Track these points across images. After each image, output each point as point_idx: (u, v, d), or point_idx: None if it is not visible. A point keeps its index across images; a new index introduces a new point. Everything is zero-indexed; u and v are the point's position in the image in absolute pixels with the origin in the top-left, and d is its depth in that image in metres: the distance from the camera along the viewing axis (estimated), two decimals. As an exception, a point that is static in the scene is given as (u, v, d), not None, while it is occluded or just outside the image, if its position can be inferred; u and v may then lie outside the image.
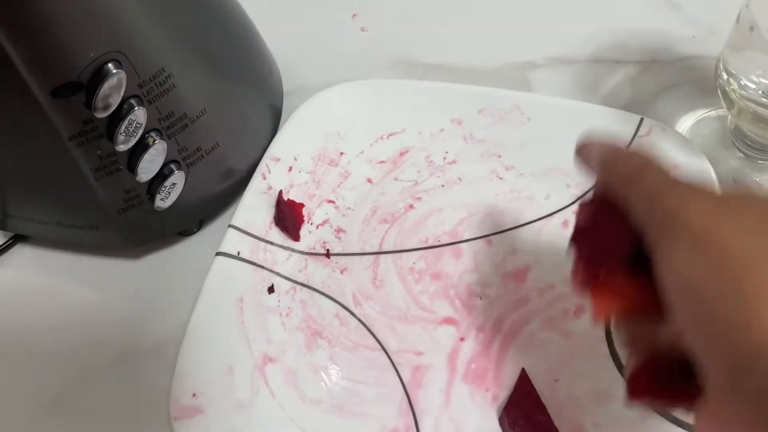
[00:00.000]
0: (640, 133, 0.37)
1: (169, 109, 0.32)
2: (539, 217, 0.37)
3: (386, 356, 0.33)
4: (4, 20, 0.26)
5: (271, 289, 0.35)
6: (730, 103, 0.34)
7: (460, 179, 0.38)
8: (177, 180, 0.33)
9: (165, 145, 0.32)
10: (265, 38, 0.41)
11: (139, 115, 0.30)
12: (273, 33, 0.41)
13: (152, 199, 0.33)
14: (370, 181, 0.39)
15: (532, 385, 0.32)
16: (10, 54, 0.27)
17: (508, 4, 0.46)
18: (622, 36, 0.43)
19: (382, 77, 0.43)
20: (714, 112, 0.39)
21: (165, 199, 0.34)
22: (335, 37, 0.45)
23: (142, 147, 0.31)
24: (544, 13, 0.45)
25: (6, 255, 0.38)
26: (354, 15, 0.46)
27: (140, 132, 0.31)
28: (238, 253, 0.35)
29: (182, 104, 0.32)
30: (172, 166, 0.33)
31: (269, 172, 0.37)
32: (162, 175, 0.33)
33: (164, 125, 0.32)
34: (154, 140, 0.32)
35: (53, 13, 0.27)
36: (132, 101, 0.30)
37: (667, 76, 0.41)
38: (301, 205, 0.37)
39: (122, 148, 0.31)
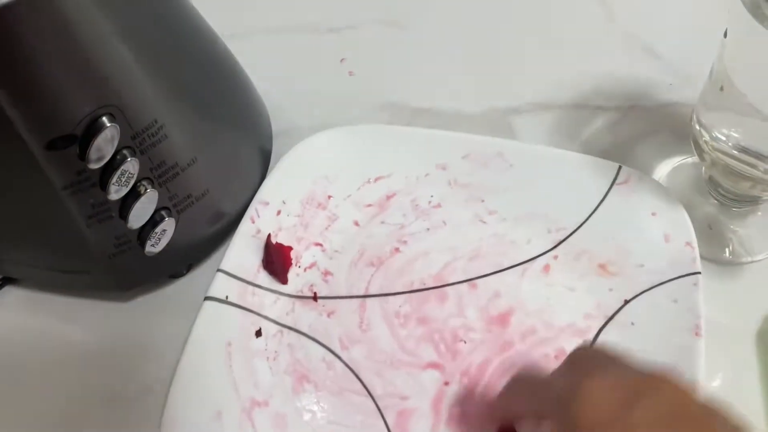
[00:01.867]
0: (618, 180, 0.38)
1: (160, 158, 0.32)
2: (521, 261, 0.38)
3: (372, 401, 0.34)
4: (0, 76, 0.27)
5: (258, 333, 0.35)
6: (702, 155, 0.35)
7: (444, 223, 0.39)
8: (167, 227, 0.34)
9: (156, 194, 0.33)
10: (254, 80, 0.42)
11: (132, 165, 0.31)
12: (262, 75, 0.42)
13: (143, 245, 0.34)
14: (357, 224, 0.40)
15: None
16: (5, 108, 0.28)
17: (492, 49, 0.47)
18: (603, 82, 0.45)
19: (370, 120, 0.44)
20: (690, 159, 0.41)
21: (155, 245, 0.34)
22: (323, 80, 0.46)
23: (134, 196, 0.32)
24: (528, 59, 0.46)
25: (-4, 296, 0.39)
26: (342, 59, 0.47)
27: (132, 181, 0.31)
28: (227, 297, 0.35)
29: (174, 153, 0.33)
30: (163, 213, 0.34)
31: (258, 216, 0.38)
32: (153, 222, 0.34)
33: (156, 174, 0.33)
34: (146, 189, 0.32)
35: (49, 70, 0.27)
36: (125, 152, 0.31)
37: (646, 123, 0.43)
38: (289, 248, 0.38)
39: (114, 197, 0.31)
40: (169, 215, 0.34)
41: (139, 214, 0.33)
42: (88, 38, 0.28)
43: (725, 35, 0.32)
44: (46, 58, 0.27)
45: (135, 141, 0.31)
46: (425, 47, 0.48)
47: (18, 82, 0.27)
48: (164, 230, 0.34)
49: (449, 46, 0.48)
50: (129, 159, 0.31)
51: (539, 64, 0.46)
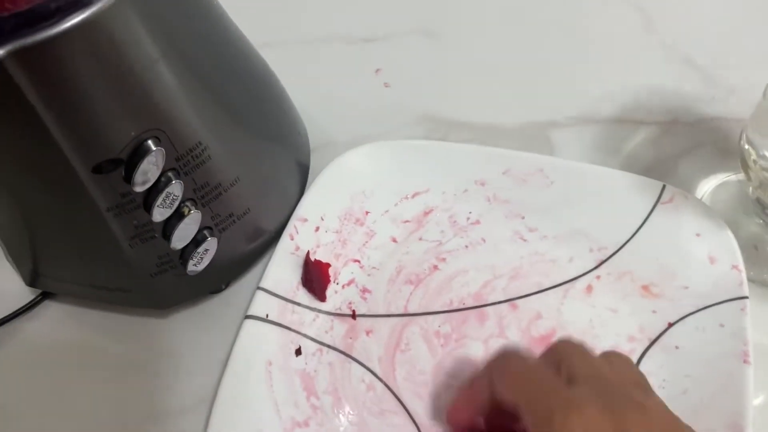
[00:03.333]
0: (662, 199, 0.37)
1: (204, 179, 0.32)
2: (563, 281, 0.37)
3: (413, 422, 0.34)
4: (49, 103, 0.27)
5: (298, 351, 0.35)
6: (750, 174, 0.35)
7: (483, 240, 0.39)
8: (210, 246, 0.34)
9: (200, 214, 0.33)
10: (289, 91, 0.41)
11: (176, 188, 0.31)
12: (296, 85, 0.42)
13: (185, 264, 0.34)
14: (395, 240, 0.39)
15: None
16: (53, 133, 0.28)
17: (530, 62, 0.47)
18: (644, 96, 0.44)
19: (406, 133, 0.44)
20: (735, 176, 0.40)
21: (198, 264, 0.34)
22: (359, 91, 0.46)
23: (177, 217, 0.32)
24: (567, 72, 0.46)
25: (35, 311, 0.39)
26: (377, 70, 0.47)
27: (177, 203, 0.31)
28: (267, 315, 0.35)
29: (217, 174, 0.33)
30: (206, 232, 0.34)
31: (297, 232, 0.38)
32: (195, 242, 0.34)
33: (199, 195, 0.33)
34: (190, 210, 0.32)
35: (95, 95, 0.27)
36: (169, 174, 0.31)
37: (688, 138, 0.42)
38: (327, 265, 0.38)
39: (158, 219, 0.31)
40: (212, 235, 0.34)
41: (183, 235, 0.33)
42: (134, 63, 0.28)
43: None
44: (93, 85, 0.27)
45: (179, 163, 0.31)
46: (461, 58, 0.47)
47: (65, 106, 0.27)
48: (207, 249, 0.34)
49: (486, 57, 0.47)
50: (174, 181, 0.31)
51: (578, 77, 0.46)
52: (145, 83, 0.28)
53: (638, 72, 0.45)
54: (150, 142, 0.29)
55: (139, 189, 0.30)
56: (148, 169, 0.30)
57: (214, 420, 0.33)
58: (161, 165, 0.30)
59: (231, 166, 0.33)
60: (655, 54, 0.46)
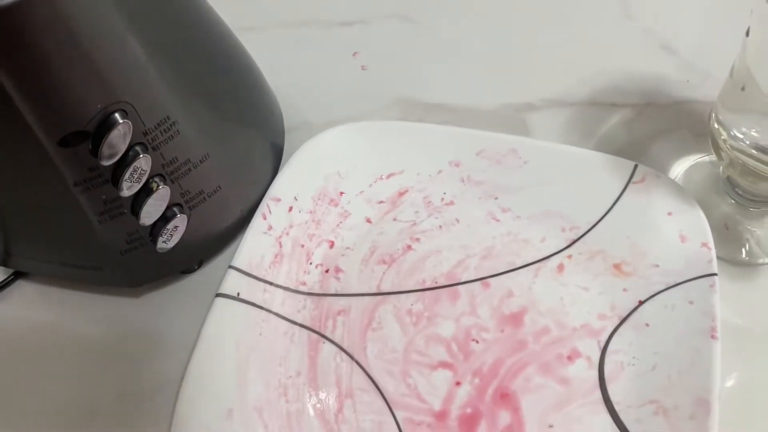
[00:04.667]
0: (634, 179, 0.37)
1: (173, 154, 0.32)
2: (535, 260, 0.37)
3: (383, 399, 0.34)
4: (13, 73, 0.27)
5: (269, 330, 0.35)
6: (720, 153, 0.35)
7: (457, 220, 0.39)
8: (179, 223, 0.34)
9: (168, 190, 0.32)
10: (266, 74, 0.41)
11: (144, 162, 0.31)
12: (273, 69, 0.42)
13: (155, 241, 0.34)
14: (369, 221, 0.39)
15: None
16: (19, 105, 0.27)
17: (506, 45, 0.47)
18: (619, 79, 0.44)
19: (382, 116, 0.44)
20: (707, 157, 0.40)
21: (167, 242, 0.34)
22: (336, 74, 0.46)
23: (146, 192, 0.32)
24: (542, 55, 0.46)
25: (6, 291, 0.39)
26: (354, 54, 0.47)
27: (144, 178, 0.31)
28: (238, 294, 0.35)
29: (186, 150, 0.33)
30: (175, 209, 0.34)
31: (270, 212, 0.38)
32: (165, 219, 0.33)
33: (168, 170, 0.32)
34: (158, 185, 0.32)
35: (61, 67, 0.27)
36: (137, 149, 0.31)
37: (662, 120, 0.42)
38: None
39: (126, 193, 0.31)
40: (181, 211, 0.34)
41: (151, 211, 0.32)
42: (100, 34, 0.28)
43: (747, 34, 0.31)
44: (59, 55, 0.27)
45: (147, 137, 0.31)
46: (438, 42, 0.47)
47: (30, 78, 0.27)
48: (176, 227, 0.34)
49: (462, 41, 0.47)
50: (141, 156, 0.31)
51: (554, 61, 0.46)
52: (111, 55, 0.28)
53: (615, 57, 0.45)
54: (117, 114, 0.29)
55: (106, 163, 0.30)
56: (115, 143, 0.29)
57: (182, 397, 0.32)
58: (128, 138, 0.30)
59: (200, 142, 0.33)
60: (633, 39, 0.46)
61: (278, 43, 0.47)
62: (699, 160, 0.40)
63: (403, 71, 0.46)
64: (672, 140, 0.41)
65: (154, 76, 0.30)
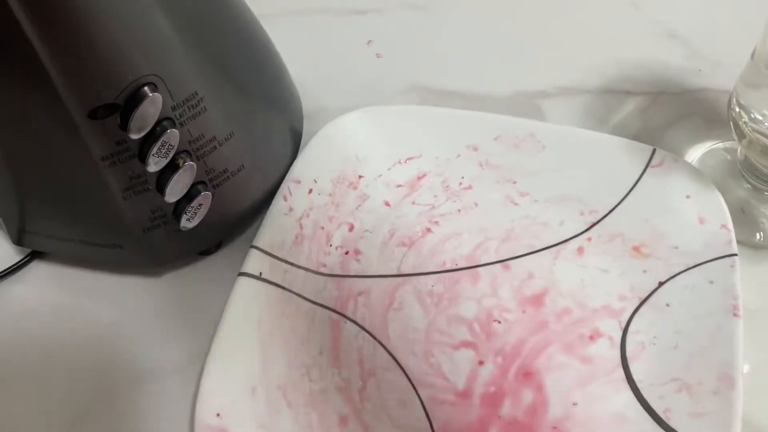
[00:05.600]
0: (652, 163, 0.38)
1: (199, 131, 0.32)
2: (554, 243, 0.37)
3: (407, 378, 0.34)
4: (47, 44, 0.27)
5: (291, 310, 0.35)
6: (741, 135, 0.35)
7: (476, 204, 0.39)
8: (203, 201, 0.34)
9: (194, 167, 0.32)
10: (286, 62, 0.41)
11: (172, 136, 0.31)
12: (291, 56, 0.42)
13: (178, 219, 0.34)
14: (387, 204, 0.39)
15: None
16: (51, 75, 0.27)
17: (518, 33, 0.47)
18: (631, 68, 0.45)
19: (397, 102, 0.44)
20: (722, 144, 0.41)
21: (191, 220, 0.34)
22: (351, 62, 0.46)
23: (172, 168, 0.32)
24: (555, 43, 0.46)
25: (23, 271, 0.38)
26: (369, 42, 0.47)
27: (171, 153, 0.31)
28: (260, 273, 0.35)
29: (212, 127, 0.33)
30: (200, 187, 0.34)
31: (290, 194, 0.38)
32: (189, 196, 0.33)
33: (194, 147, 0.32)
34: (184, 162, 0.32)
35: (95, 37, 0.27)
36: (165, 123, 0.31)
37: (676, 109, 0.43)
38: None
39: (153, 169, 0.31)
40: (206, 189, 0.34)
41: (177, 188, 0.32)
42: (133, 6, 0.28)
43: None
44: (93, 26, 0.27)
45: (175, 112, 0.31)
46: (451, 30, 0.48)
47: (62, 50, 0.27)
48: (200, 204, 0.34)
49: (475, 29, 0.48)
50: (169, 130, 0.31)
51: (566, 48, 0.46)
52: (142, 28, 0.28)
53: (625, 46, 0.46)
54: (147, 88, 0.29)
55: (134, 136, 0.30)
56: (145, 116, 0.29)
57: (206, 375, 0.32)
58: (157, 112, 0.30)
59: (226, 120, 0.33)
60: (643, 29, 0.47)
61: (293, 30, 0.47)
62: (713, 146, 0.41)
63: (417, 59, 0.46)
64: (686, 128, 0.42)
65: (184, 51, 0.30)
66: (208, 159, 0.33)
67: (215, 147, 0.33)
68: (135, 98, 0.29)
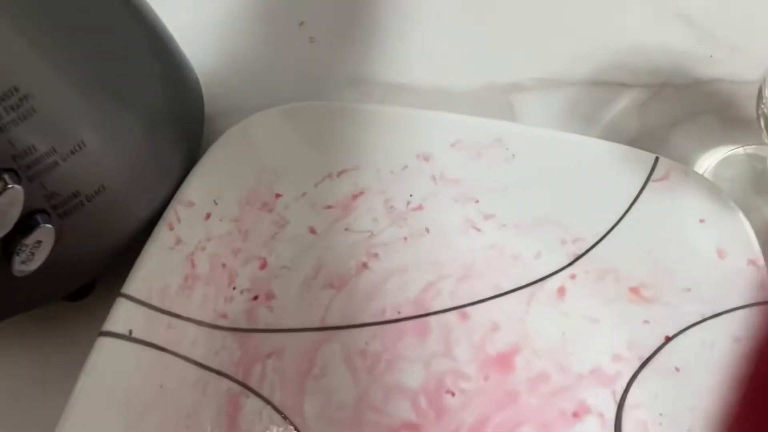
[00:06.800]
0: (654, 176, 0.29)
1: (28, 141, 0.23)
2: (527, 282, 0.29)
3: (325, 477, 0.25)
4: None
5: (173, 380, 0.26)
6: (773, 140, 0.27)
7: (427, 230, 0.31)
8: (43, 236, 0.25)
9: (21, 191, 0.23)
10: (183, 45, 0.33)
11: (-23, 151, 0.22)
12: (193, 39, 0.33)
13: (9, 261, 0.25)
14: (313, 231, 0.31)
15: None
16: None
17: (488, 12, 0.38)
18: (627, 55, 0.36)
19: (333, 98, 0.35)
20: (742, 149, 0.32)
21: (28, 262, 0.25)
22: (277, 49, 0.37)
23: (-15, 194, 0.23)
24: (533, 26, 0.38)
25: None
26: (302, 23, 0.38)
27: (-19, 174, 0.22)
28: (130, 332, 0.26)
29: (48, 134, 0.24)
30: (37, 217, 0.24)
31: (179, 221, 0.29)
32: (21, 231, 0.24)
33: (21, 164, 0.23)
34: (6, 185, 0.23)
35: None
36: (-34, 131, 0.22)
37: (683, 104, 0.34)
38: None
39: (-46, 196, 0.22)
40: (47, 221, 0.25)
41: (-1, 220, 0.23)
42: None
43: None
44: None
45: (-17, 115, 0.22)
46: (404, 9, 0.39)
47: None
48: (38, 241, 0.25)
49: (434, 9, 0.39)
50: (-27, 142, 0.21)
51: (547, 33, 0.37)
52: None
53: (622, 28, 0.37)
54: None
55: None
56: (-74, 122, 0.20)
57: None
58: (-51, 116, 0.21)
59: (70, 125, 0.24)
60: (642, 8, 0.38)
61: (200, 6, 0.38)
62: (731, 152, 0.32)
63: (360, 44, 0.37)
64: (695, 128, 0.33)
65: (-7, 28, 0.21)
66: (46, 179, 0.24)
67: (56, 162, 0.24)
68: None
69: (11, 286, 0.26)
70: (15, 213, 0.24)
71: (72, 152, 0.24)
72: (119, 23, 0.27)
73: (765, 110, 0.27)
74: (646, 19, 0.38)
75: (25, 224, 0.24)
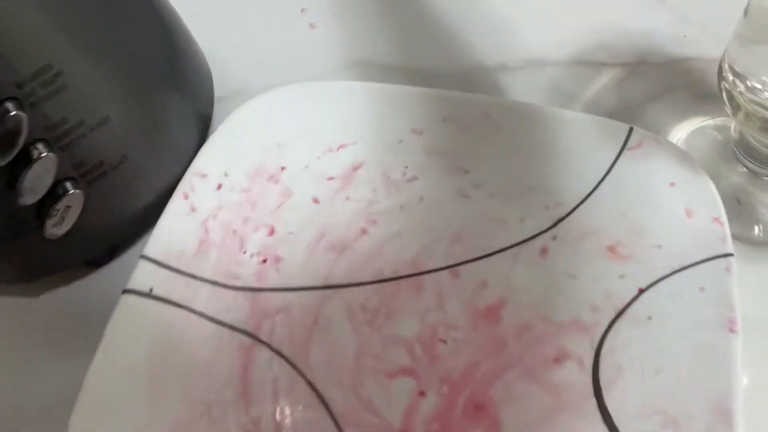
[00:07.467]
0: (629, 145, 0.31)
1: (59, 114, 0.26)
2: (513, 243, 0.31)
3: (330, 417, 0.27)
4: None
5: (190, 334, 0.29)
6: (735, 109, 0.29)
7: (421, 199, 0.33)
8: (72, 202, 0.27)
9: (55, 159, 0.26)
10: (195, 33, 0.35)
11: (16, 121, 0.24)
12: (204, 25, 0.36)
13: (42, 225, 0.27)
14: (316, 201, 0.33)
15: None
16: None
17: (478, 0, 0.41)
18: (606, 35, 0.38)
19: (333, 80, 0.38)
20: (712, 120, 0.34)
21: (58, 226, 0.27)
22: (280, 34, 0.40)
23: (24, 161, 0.25)
24: (518, 10, 0.40)
25: None
26: (303, 10, 0.40)
27: (20, 143, 0.25)
28: (151, 290, 0.29)
29: (78, 109, 0.26)
30: (67, 184, 0.27)
31: (193, 190, 0.31)
32: (53, 196, 0.27)
33: (54, 135, 0.26)
34: (40, 153, 0.25)
35: None
36: (7, 105, 0.24)
37: (657, 80, 0.36)
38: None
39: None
40: (75, 187, 0.27)
41: (33, 186, 0.26)
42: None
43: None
44: None
45: (22, 91, 0.24)
46: (399, -3, 0.41)
47: None
48: (68, 206, 0.27)
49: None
50: (13, 112, 0.24)
51: (530, 15, 0.40)
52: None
53: (602, 10, 0.40)
54: (-28, 59, 0.23)
55: (-38, 121, 0.23)
56: (-28, 95, 0.23)
57: (75, 419, 0.26)
58: (-8, 90, 0.23)
59: (97, 100, 0.27)
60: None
61: (212, -1, 0.41)
62: (702, 124, 0.34)
63: (358, 29, 0.40)
64: (669, 103, 0.36)
65: (29, 11, 0.24)
66: (76, 149, 0.27)
67: (84, 134, 0.27)
68: (-44, 72, 0.22)
69: (43, 249, 0.28)
70: (48, 179, 0.26)
71: (98, 125, 0.27)
72: (140, 12, 0.30)
73: (725, 85, 0.29)
74: (624, 2, 0.40)
75: (57, 190, 0.27)
